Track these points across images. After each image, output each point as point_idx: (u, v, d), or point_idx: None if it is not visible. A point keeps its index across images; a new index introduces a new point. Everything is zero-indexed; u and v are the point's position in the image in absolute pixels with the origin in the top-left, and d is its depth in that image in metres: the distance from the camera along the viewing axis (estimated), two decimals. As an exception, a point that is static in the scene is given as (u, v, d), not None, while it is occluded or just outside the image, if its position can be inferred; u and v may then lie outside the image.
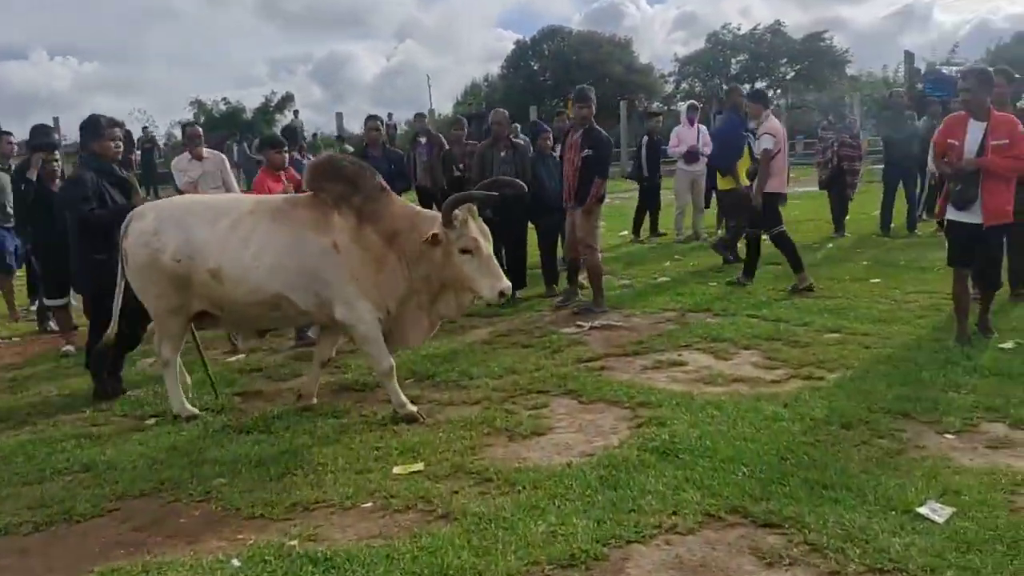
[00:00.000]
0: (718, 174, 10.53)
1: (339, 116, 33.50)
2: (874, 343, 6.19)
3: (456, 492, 3.91)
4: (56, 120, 25.55)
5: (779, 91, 46.14)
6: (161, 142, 30.79)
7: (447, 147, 10.64)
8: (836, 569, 3.10)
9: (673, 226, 12.82)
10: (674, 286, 8.93)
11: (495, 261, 4.90)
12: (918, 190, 12.30)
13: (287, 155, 7.50)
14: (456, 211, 4.75)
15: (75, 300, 7.41)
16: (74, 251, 5.80)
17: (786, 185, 8.83)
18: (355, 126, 30.77)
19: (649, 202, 13.12)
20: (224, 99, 36.56)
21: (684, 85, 50.55)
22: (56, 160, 7.29)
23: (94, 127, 5.82)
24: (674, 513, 3.55)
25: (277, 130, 19.44)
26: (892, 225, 12.02)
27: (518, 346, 6.75)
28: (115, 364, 5.95)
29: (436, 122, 28.32)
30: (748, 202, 8.59)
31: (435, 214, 5.08)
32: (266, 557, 3.36)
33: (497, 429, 4.78)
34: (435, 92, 76.08)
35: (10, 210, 8.05)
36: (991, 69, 6.24)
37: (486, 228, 4.91)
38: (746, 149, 9.46)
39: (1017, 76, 8.58)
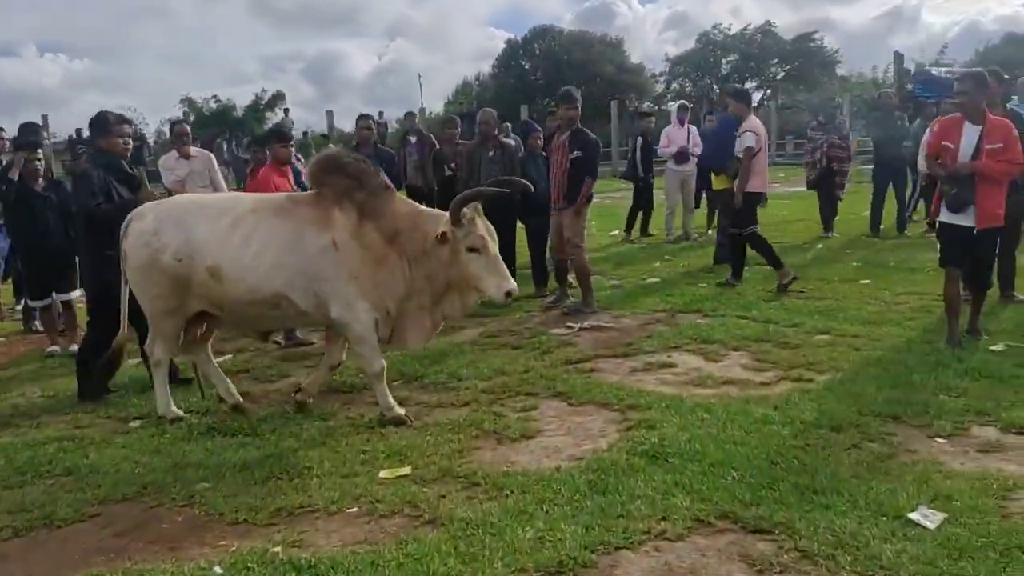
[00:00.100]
0: (712, 174, 10.53)
1: (330, 114, 33.49)
2: (864, 345, 6.17)
3: (443, 497, 3.87)
4: (44, 118, 25.49)
5: (769, 91, 46.34)
6: (151, 140, 30.65)
7: (438, 146, 10.58)
8: (827, 576, 3.07)
9: (663, 226, 12.81)
10: (664, 287, 8.91)
11: (501, 261, 4.85)
12: (909, 191, 12.33)
13: (291, 149, 7.47)
14: (465, 209, 4.71)
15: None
16: (82, 248, 5.79)
17: (766, 185, 8.84)
18: (346, 124, 30.79)
19: (643, 203, 13.13)
20: (214, 97, 36.52)
21: (675, 85, 50.75)
22: (39, 159, 7.19)
23: (102, 124, 5.82)
24: (663, 519, 3.51)
25: (268, 129, 19.37)
26: (882, 226, 12.04)
27: (507, 347, 6.71)
28: (112, 364, 5.89)
29: (427, 121, 28.31)
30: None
31: (438, 213, 5.02)
32: (249, 564, 3.31)
33: (485, 432, 4.73)
34: (426, 91, 75.99)
35: None
36: (983, 71, 6.24)
37: (492, 227, 4.87)
38: None
39: (1006, 77, 8.61)
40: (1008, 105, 8.04)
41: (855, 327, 6.70)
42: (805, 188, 13.23)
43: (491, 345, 6.80)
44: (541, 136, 9.27)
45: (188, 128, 8.55)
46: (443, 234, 4.69)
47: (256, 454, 4.54)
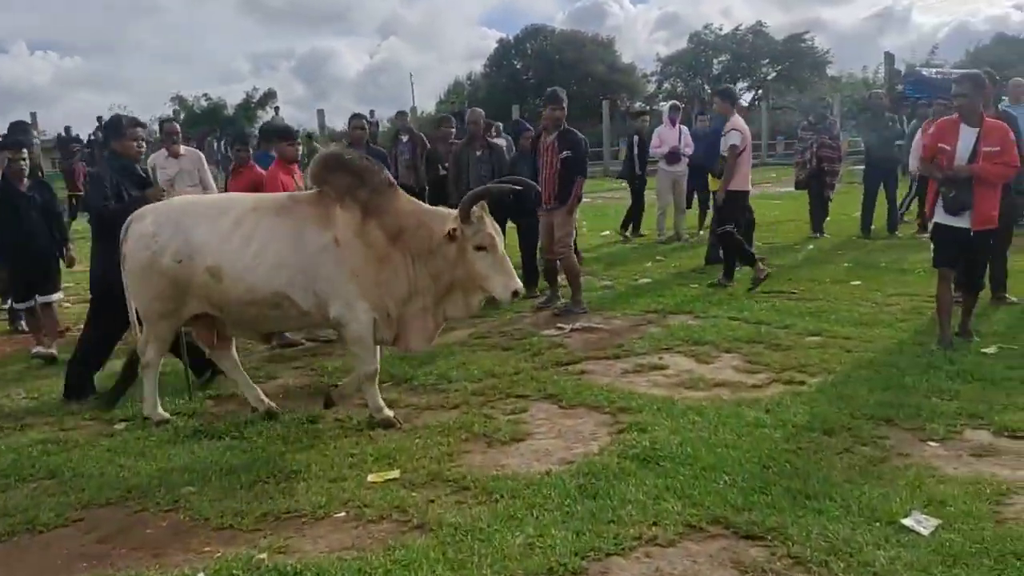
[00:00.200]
0: (709, 175, 10.55)
1: (321, 113, 33.41)
2: (856, 347, 6.14)
3: (432, 501, 3.82)
4: (33, 115, 25.35)
5: (760, 91, 46.40)
6: (141, 138, 30.44)
7: (429, 146, 10.54)
8: (820, 583, 3.03)
9: (655, 227, 12.80)
10: (655, 287, 8.88)
11: (509, 260, 4.81)
12: (905, 191, 12.35)
13: (298, 147, 7.44)
14: (475, 207, 4.67)
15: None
16: (93, 250, 5.77)
17: (748, 183, 8.88)
18: (337, 123, 30.70)
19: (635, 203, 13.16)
20: (205, 95, 36.49)
21: (666, 85, 50.84)
22: (23, 159, 7.07)
23: (116, 127, 5.89)
24: (654, 524, 3.47)
25: (258, 127, 19.29)
26: (873, 227, 12.03)
27: (498, 348, 6.66)
28: (98, 363, 5.87)
29: (418, 120, 28.24)
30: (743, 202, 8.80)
31: (444, 210, 4.98)
32: (234, 571, 3.25)
33: (475, 435, 4.69)
34: (418, 90, 76.18)
35: None
36: (980, 73, 6.21)
37: (498, 226, 4.83)
38: None
39: (997, 78, 8.61)
40: (1000, 106, 8.05)
41: (846, 329, 6.68)
42: (794, 188, 13.22)
43: (481, 346, 6.75)
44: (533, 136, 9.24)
45: (178, 127, 8.48)
46: (453, 231, 4.65)
47: (242, 458, 4.49)
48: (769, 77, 49.54)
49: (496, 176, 7.80)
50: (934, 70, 26.24)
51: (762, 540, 3.33)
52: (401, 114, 13.33)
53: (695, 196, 12.86)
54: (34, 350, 7.17)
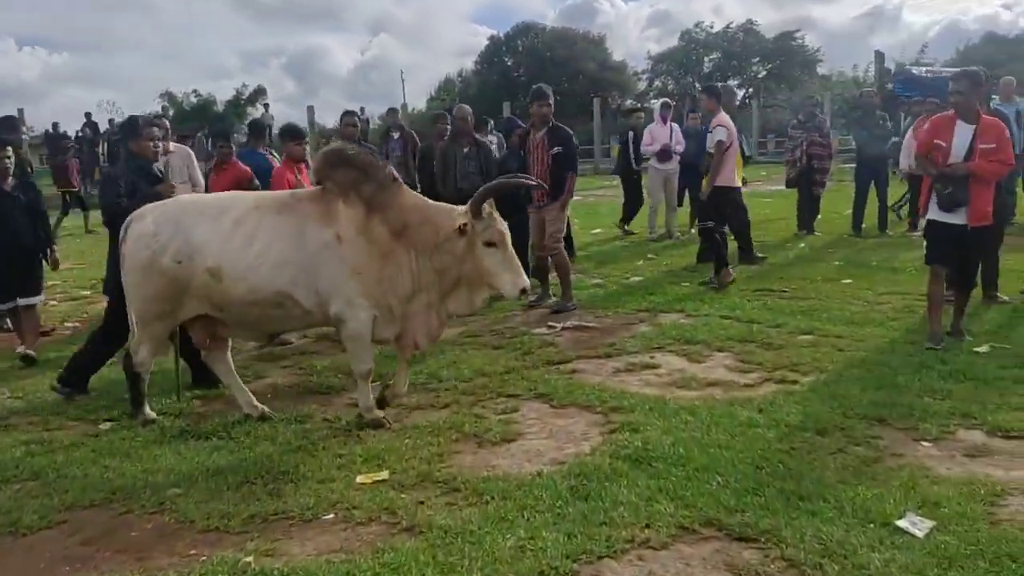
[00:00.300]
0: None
1: (311, 109, 33.15)
2: (847, 346, 6.12)
3: (422, 503, 3.77)
4: (21, 111, 25.11)
5: (751, 89, 46.45)
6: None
7: (420, 143, 10.48)
8: (814, 586, 3.00)
9: (646, 224, 12.77)
10: (647, 286, 8.84)
11: (516, 257, 4.77)
12: (904, 192, 12.36)
13: (305, 147, 7.42)
14: (485, 204, 4.62)
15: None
16: (108, 249, 5.75)
17: (735, 180, 8.90)
18: (328, 120, 30.55)
19: (633, 196, 13.22)
20: (195, 91, 36.23)
21: (657, 83, 50.85)
22: (8, 157, 6.95)
23: (131, 127, 5.95)
24: (647, 526, 3.43)
25: (247, 124, 19.19)
26: (864, 225, 12.02)
27: (488, 347, 6.61)
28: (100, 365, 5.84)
29: (409, 117, 28.14)
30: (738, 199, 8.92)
31: (449, 206, 4.94)
32: (219, 574, 3.20)
33: (466, 435, 4.64)
34: (409, 87, 76.01)
35: None
36: (978, 70, 6.19)
37: (505, 223, 4.79)
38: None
39: (989, 76, 8.60)
40: (992, 104, 8.04)
41: (838, 327, 6.65)
42: (784, 187, 13.22)
43: (472, 345, 6.70)
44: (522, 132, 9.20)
45: (167, 123, 8.39)
46: (463, 226, 4.60)
47: (229, 458, 4.43)
48: (760, 75, 49.61)
49: (483, 173, 7.78)
50: (924, 69, 26.27)
51: (756, 542, 3.29)
52: (392, 111, 13.30)
53: (686, 194, 12.82)
54: (19, 349, 7.09)
